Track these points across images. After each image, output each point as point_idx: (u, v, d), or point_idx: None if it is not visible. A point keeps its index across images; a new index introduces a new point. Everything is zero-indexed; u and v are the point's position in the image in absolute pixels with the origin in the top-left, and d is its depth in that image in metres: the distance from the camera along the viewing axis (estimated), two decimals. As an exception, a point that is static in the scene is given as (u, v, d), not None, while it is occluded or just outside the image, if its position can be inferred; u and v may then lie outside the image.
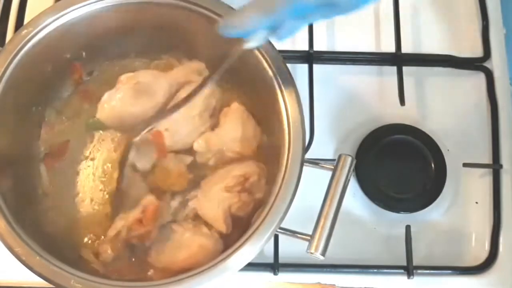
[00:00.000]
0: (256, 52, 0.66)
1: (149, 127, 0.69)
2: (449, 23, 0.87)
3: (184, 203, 0.69)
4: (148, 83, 0.71)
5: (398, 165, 0.78)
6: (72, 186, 0.72)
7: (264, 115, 0.70)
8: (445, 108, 0.82)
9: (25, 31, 0.66)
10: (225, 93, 0.74)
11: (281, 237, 0.72)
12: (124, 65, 0.76)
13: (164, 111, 0.70)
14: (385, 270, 0.74)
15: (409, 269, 0.73)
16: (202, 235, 0.66)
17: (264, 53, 0.66)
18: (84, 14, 0.68)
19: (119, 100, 0.71)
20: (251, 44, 0.57)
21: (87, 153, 0.73)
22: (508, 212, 0.77)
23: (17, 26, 0.83)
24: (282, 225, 0.61)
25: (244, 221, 0.67)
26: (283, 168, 0.62)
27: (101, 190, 0.71)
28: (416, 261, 0.73)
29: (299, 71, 0.80)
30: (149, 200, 0.66)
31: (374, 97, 0.83)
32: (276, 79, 0.65)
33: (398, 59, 0.82)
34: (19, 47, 0.65)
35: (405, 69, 0.81)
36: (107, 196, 0.71)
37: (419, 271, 0.73)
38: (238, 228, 0.67)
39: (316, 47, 0.82)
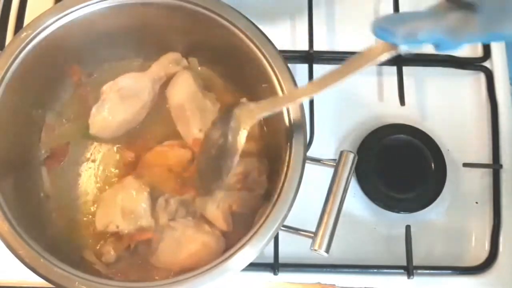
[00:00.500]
0: (257, 51, 0.66)
1: None
2: (449, 23, 0.87)
3: (185, 203, 0.69)
4: (130, 86, 0.71)
5: (398, 165, 0.78)
6: (74, 188, 0.72)
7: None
8: (445, 108, 0.82)
9: (25, 33, 0.66)
10: (225, 93, 0.75)
11: (281, 237, 0.72)
12: (124, 66, 0.76)
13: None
14: (385, 270, 0.74)
15: (409, 269, 0.73)
16: (205, 233, 0.66)
17: (265, 53, 0.66)
18: (84, 15, 0.68)
19: (108, 110, 0.71)
20: (403, 49, 0.50)
21: (88, 154, 0.73)
22: (508, 212, 0.77)
23: (16, 28, 0.83)
24: (285, 223, 0.61)
25: (248, 217, 0.67)
26: (285, 166, 0.62)
27: (102, 191, 0.71)
28: (416, 261, 0.73)
29: (299, 71, 0.80)
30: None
31: (374, 97, 0.83)
32: (277, 78, 0.66)
33: (398, 59, 0.82)
34: (18, 50, 0.65)
35: (405, 69, 0.81)
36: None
37: (419, 271, 0.73)
38: (242, 225, 0.66)
39: (316, 47, 0.82)
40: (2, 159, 0.65)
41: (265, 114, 0.62)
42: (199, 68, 0.76)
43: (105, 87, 0.72)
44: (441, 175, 0.77)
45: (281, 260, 0.73)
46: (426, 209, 0.76)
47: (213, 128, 0.66)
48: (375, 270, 0.74)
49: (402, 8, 0.84)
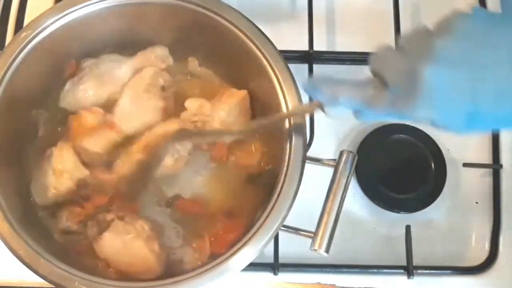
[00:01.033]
0: (257, 51, 0.66)
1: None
2: (449, 23, 0.87)
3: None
4: (110, 70, 0.72)
5: (398, 165, 0.78)
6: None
7: (265, 113, 0.70)
8: (445, 108, 0.82)
9: (25, 33, 0.66)
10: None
11: (281, 237, 0.72)
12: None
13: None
14: (385, 270, 0.74)
15: (409, 269, 0.73)
16: (151, 251, 0.65)
17: (265, 52, 0.66)
18: (83, 15, 0.68)
19: (83, 89, 0.71)
20: (329, 111, 0.56)
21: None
22: (508, 212, 0.77)
23: (16, 28, 0.83)
24: (285, 223, 0.61)
25: (245, 220, 0.67)
26: (285, 166, 0.62)
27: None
28: (416, 261, 0.73)
29: (299, 71, 0.80)
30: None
31: (374, 97, 0.82)
32: (277, 78, 0.66)
33: (398, 59, 0.82)
34: (18, 50, 0.65)
35: (405, 69, 0.81)
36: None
37: (419, 271, 0.73)
38: (239, 228, 0.66)
39: (316, 47, 0.82)
40: (1, 159, 0.65)
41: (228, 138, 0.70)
42: (198, 68, 0.76)
43: (85, 64, 0.72)
44: (441, 175, 0.77)
45: (281, 260, 0.73)
46: (426, 209, 0.76)
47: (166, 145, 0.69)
48: (375, 270, 0.74)
49: (402, 7, 0.84)
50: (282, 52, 0.67)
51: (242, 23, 0.67)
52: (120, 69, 0.72)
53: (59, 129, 0.72)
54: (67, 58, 0.72)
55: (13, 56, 0.65)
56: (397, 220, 0.76)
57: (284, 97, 0.65)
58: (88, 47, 0.72)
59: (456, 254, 0.76)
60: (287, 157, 0.62)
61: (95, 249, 0.66)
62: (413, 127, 0.79)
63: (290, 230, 0.62)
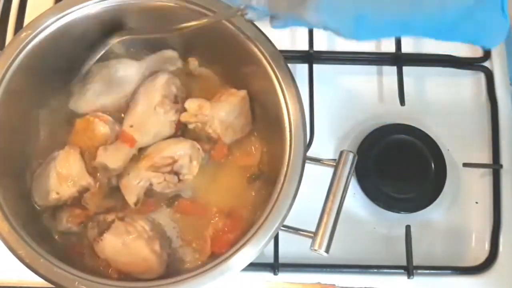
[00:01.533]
0: (257, 51, 0.66)
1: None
2: (449, 23, 0.87)
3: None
4: (119, 74, 0.72)
5: (398, 165, 0.78)
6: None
7: (265, 113, 0.70)
8: (445, 108, 0.82)
9: (25, 33, 0.66)
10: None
11: (281, 237, 0.72)
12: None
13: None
14: (385, 270, 0.74)
15: (409, 269, 0.73)
16: (152, 251, 0.65)
17: (265, 52, 0.66)
18: (83, 15, 0.68)
19: (92, 91, 0.71)
20: (248, 15, 0.59)
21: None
22: (508, 212, 0.77)
23: (16, 28, 0.83)
24: (285, 223, 0.61)
25: (245, 220, 0.67)
26: (285, 166, 0.62)
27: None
28: (416, 261, 0.73)
29: (299, 71, 0.80)
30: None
31: (374, 97, 0.83)
32: (276, 77, 0.66)
33: (398, 59, 0.82)
34: (18, 49, 0.65)
35: (405, 69, 0.81)
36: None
37: (419, 271, 0.73)
38: (239, 228, 0.66)
39: (316, 47, 0.82)
40: (2, 159, 0.65)
41: None
42: (198, 68, 0.76)
43: (94, 67, 0.72)
44: (441, 175, 0.77)
45: (281, 260, 0.73)
46: (426, 209, 0.76)
47: None
48: (375, 270, 0.74)
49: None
50: (282, 52, 0.67)
51: (242, 23, 0.67)
52: (128, 72, 0.72)
53: (61, 130, 0.72)
54: (67, 58, 0.71)
55: (13, 56, 0.65)
56: (397, 220, 0.76)
57: (284, 96, 0.65)
58: (88, 48, 0.72)
59: (456, 254, 0.76)
60: (287, 157, 0.63)
61: (96, 250, 0.66)
62: (413, 127, 0.79)
63: (290, 230, 0.62)
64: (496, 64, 0.83)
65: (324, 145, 0.79)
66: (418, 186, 0.77)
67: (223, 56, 0.72)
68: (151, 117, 0.70)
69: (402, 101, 0.79)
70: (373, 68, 0.84)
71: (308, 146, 0.74)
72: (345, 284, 0.73)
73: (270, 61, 0.66)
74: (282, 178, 0.62)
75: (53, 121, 0.73)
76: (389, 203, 0.76)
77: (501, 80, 0.83)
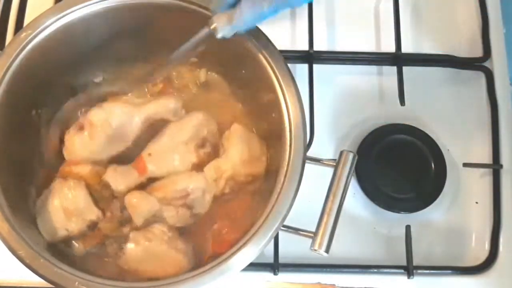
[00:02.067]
0: (257, 52, 0.66)
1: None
2: (449, 23, 0.87)
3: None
4: (120, 124, 0.69)
5: (398, 165, 0.78)
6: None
7: (265, 113, 0.70)
8: (445, 108, 0.82)
9: (24, 33, 0.65)
10: (225, 110, 0.74)
11: (281, 237, 0.72)
12: (123, 69, 0.75)
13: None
14: (385, 270, 0.74)
15: (409, 269, 0.73)
16: (177, 250, 0.65)
17: (265, 53, 0.66)
18: (84, 16, 0.67)
19: (89, 145, 0.68)
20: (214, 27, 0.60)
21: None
22: (508, 212, 0.77)
23: (16, 28, 0.83)
24: (285, 223, 0.61)
25: (243, 221, 0.67)
26: (285, 166, 0.62)
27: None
28: (416, 261, 0.73)
29: (299, 71, 0.80)
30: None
31: (374, 97, 0.83)
32: (277, 78, 0.66)
33: (398, 59, 0.82)
34: (18, 50, 0.65)
35: (405, 69, 0.81)
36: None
37: (419, 271, 0.73)
38: (239, 228, 0.66)
39: (316, 47, 0.82)
40: (2, 159, 0.65)
41: None
42: (207, 74, 0.76)
43: (94, 118, 0.69)
44: (441, 175, 0.77)
45: (281, 260, 0.73)
46: (426, 209, 0.76)
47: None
48: (375, 270, 0.74)
49: (402, 8, 0.84)
50: (282, 52, 0.67)
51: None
52: (132, 123, 0.70)
53: (61, 130, 0.72)
54: (67, 59, 0.71)
55: (13, 57, 0.65)
56: (397, 220, 0.76)
57: (284, 96, 0.65)
58: (88, 48, 0.72)
59: (456, 254, 0.76)
60: (287, 157, 0.62)
61: (120, 264, 0.65)
62: (413, 127, 0.79)
63: (290, 230, 0.62)
64: (496, 64, 0.83)
65: (324, 145, 0.79)
66: (418, 186, 0.77)
67: (221, 57, 0.72)
68: (172, 153, 0.68)
69: (402, 101, 0.79)
70: (373, 68, 0.84)
71: (308, 146, 0.74)
72: (345, 284, 0.73)
73: (270, 60, 0.66)
74: (282, 178, 0.62)
75: (53, 121, 0.73)
76: (389, 203, 0.76)
77: (501, 80, 0.83)
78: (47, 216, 0.66)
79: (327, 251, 0.59)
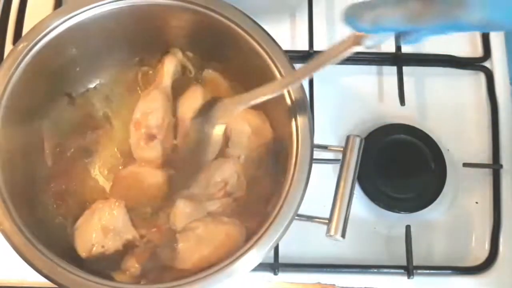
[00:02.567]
0: (262, 52, 0.66)
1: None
2: (449, 23, 0.87)
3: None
4: (153, 110, 0.70)
5: (398, 165, 0.78)
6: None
7: (269, 105, 0.69)
8: (445, 108, 0.82)
9: (22, 45, 0.65)
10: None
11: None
12: (125, 74, 0.76)
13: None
14: (385, 270, 0.74)
15: (409, 269, 0.73)
16: (225, 223, 0.65)
17: (270, 53, 0.66)
18: (82, 21, 0.67)
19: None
20: (368, 42, 0.51)
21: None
22: (508, 212, 0.77)
23: (16, 32, 0.83)
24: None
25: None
26: (294, 154, 0.62)
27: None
28: (416, 261, 0.73)
29: (299, 71, 0.80)
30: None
31: (374, 97, 0.83)
32: (281, 74, 0.66)
33: (398, 59, 0.82)
34: (17, 62, 0.64)
35: (405, 69, 0.81)
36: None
37: (419, 271, 0.73)
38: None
39: (316, 47, 0.82)
40: (10, 171, 0.64)
41: (242, 107, 0.64)
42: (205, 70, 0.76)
43: (133, 123, 0.70)
44: (441, 175, 0.77)
45: (281, 260, 0.73)
46: (426, 209, 0.76)
47: (192, 123, 0.67)
48: (375, 270, 0.74)
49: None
50: (282, 52, 0.67)
51: (246, 23, 0.67)
52: (156, 104, 0.71)
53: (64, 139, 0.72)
54: (67, 67, 0.71)
55: (12, 69, 0.64)
56: (397, 220, 0.76)
57: (289, 94, 0.65)
58: (87, 54, 0.72)
59: (456, 254, 0.76)
60: (294, 145, 0.62)
61: (179, 266, 0.65)
62: (413, 127, 0.79)
63: (303, 218, 0.61)
64: (496, 64, 0.83)
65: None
66: (418, 186, 0.77)
67: (227, 56, 0.72)
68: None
69: (402, 101, 0.79)
70: (373, 68, 0.84)
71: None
72: (345, 284, 0.73)
73: (275, 61, 0.66)
74: (292, 167, 0.61)
75: (56, 131, 0.72)
76: (389, 203, 0.76)
77: (501, 80, 0.83)
78: (85, 232, 0.66)
79: (343, 235, 0.60)
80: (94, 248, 0.65)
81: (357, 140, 0.63)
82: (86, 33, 0.68)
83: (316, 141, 0.75)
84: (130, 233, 0.67)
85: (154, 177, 0.69)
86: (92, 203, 0.68)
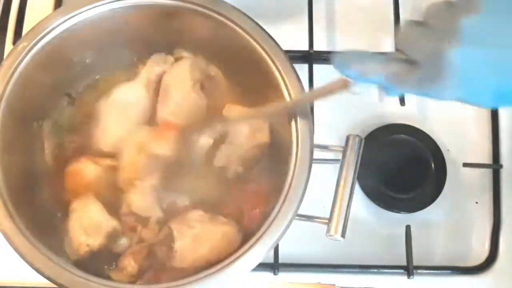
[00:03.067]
0: (262, 52, 0.66)
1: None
2: (449, 23, 0.87)
3: None
4: (127, 99, 0.71)
5: (398, 165, 0.78)
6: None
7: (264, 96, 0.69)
8: (445, 108, 0.82)
9: (21, 45, 0.65)
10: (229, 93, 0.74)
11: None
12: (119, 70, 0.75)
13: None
14: (385, 270, 0.74)
15: (409, 269, 0.73)
16: (222, 224, 0.65)
17: (270, 53, 0.66)
18: (81, 22, 0.67)
19: (108, 126, 0.70)
20: (355, 89, 0.54)
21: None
22: (508, 212, 0.77)
23: (16, 30, 0.83)
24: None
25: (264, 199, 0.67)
26: (294, 154, 0.62)
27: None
28: (416, 261, 0.73)
29: (299, 71, 0.79)
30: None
31: (374, 97, 0.82)
32: (281, 75, 0.66)
33: (398, 59, 0.82)
34: (16, 63, 0.64)
35: (405, 69, 0.81)
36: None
37: (419, 271, 0.73)
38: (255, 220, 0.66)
39: (316, 47, 0.82)
40: (10, 171, 0.64)
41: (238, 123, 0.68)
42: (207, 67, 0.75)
43: (100, 105, 0.71)
44: (441, 175, 0.77)
45: (281, 260, 0.73)
46: (426, 209, 0.76)
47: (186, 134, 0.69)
48: (375, 270, 0.74)
49: (402, 8, 0.84)
50: (282, 52, 0.67)
51: (247, 23, 0.67)
52: (135, 94, 0.71)
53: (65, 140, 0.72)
54: (66, 67, 0.71)
55: (11, 70, 0.64)
56: (397, 220, 0.76)
57: (289, 94, 0.65)
58: (87, 55, 0.72)
59: (456, 254, 0.76)
60: (294, 144, 0.62)
61: (177, 265, 0.64)
62: (413, 127, 0.79)
63: (304, 218, 0.61)
64: (496, 64, 0.83)
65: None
66: (418, 186, 0.77)
67: (227, 57, 0.72)
68: (185, 101, 0.70)
69: (402, 101, 0.79)
70: (373, 68, 0.84)
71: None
72: (345, 284, 0.73)
73: (274, 59, 0.66)
74: (292, 167, 0.61)
75: (56, 131, 0.72)
76: (389, 203, 0.76)
77: (501, 80, 0.83)
78: (68, 235, 0.66)
79: (343, 235, 0.59)
80: (81, 249, 0.65)
81: (357, 140, 0.63)
82: (86, 33, 0.68)
83: (316, 141, 0.76)
84: (109, 224, 0.66)
85: (93, 171, 0.69)
86: None
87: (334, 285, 0.73)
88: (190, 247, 0.64)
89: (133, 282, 0.64)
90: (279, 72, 0.66)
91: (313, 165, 0.62)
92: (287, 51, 0.79)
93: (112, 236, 0.66)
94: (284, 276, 0.73)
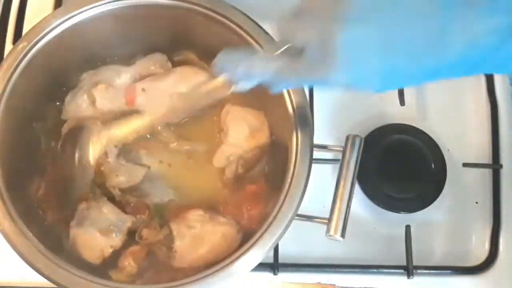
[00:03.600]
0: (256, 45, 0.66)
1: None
2: (449, 23, 0.87)
3: None
4: (109, 80, 0.71)
5: (398, 165, 0.78)
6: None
7: (269, 104, 0.69)
8: (445, 108, 0.82)
9: (21, 45, 0.65)
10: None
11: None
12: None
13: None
14: (385, 270, 0.74)
15: (409, 269, 0.73)
16: (222, 224, 0.65)
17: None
18: (80, 22, 0.66)
19: (82, 101, 0.70)
20: (237, 88, 0.55)
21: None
22: (508, 212, 0.77)
23: (16, 31, 0.83)
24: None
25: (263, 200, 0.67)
26: (294, 154, 0.62)
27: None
28: (416, 261, 0.74)
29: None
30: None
31: (374, 97, 0.83)
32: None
33: (398, 59, 0.82)
34: (16, 63, 0.64)
35: (405, 69, 0.81)
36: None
37: (419, 271, 0.73)
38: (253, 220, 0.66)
39: (316, 47, 0.82)
40: (10, 171, 0.64)
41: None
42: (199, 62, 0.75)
43: (84, 75, 0.71)
44: (441, 175, 0.77)
45: (281, 260, 0.73)
46: (426, 209, 0.76)
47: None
48: (375, 270, 0.74)
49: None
50: (281, 52, 0.67)
51: (246, 23, 0.66)
52: (120, 78, 0.71)
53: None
54: (65, 68, 0.71)
55: (11, 70, 0.64)
56: (397, 220, 0.76)
57: (290, 94, 0.65)
58: (87, 55, 0.72)
59: (456, 254, 0.76)
60: (294, 144, 0.62)
61: (176, 265, 0.64)
62: (413, 127, 0.79)
63: (303, 218, 0.61)
64: (496, 64, 0.83)
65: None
66: (418, 186, 0.77)
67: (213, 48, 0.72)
68: (165, 99, 0.69)
69: (402, 101, 0.80)
70: (373, 68, 0.84)
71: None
72: (345, 284, 0.73)
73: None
74: (291, 166, 0.61)
75: (56, 131, 0.72)
76: (389, 203, 0.76)
77: (501, 80, 0.83)
78: (85, 243, 0.65)
79: (343, 236, 0.59)
80: (106, 251, 0.65)
81: (357, 140, 0.63)
82: (86, 33, 0.68)
83: (316, 141, 0.76)
84: (127, 221, 0.66)
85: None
86: None
87: (334, 285, 0.73)
88: (190, 247, 0.64)
89: (132, 282, 0.64)
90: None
91: (313, 165, 0.62)
92: (286, 51, 0.80)
93: (131, 231, 0.66)
94: (284, 276, 0.73)
